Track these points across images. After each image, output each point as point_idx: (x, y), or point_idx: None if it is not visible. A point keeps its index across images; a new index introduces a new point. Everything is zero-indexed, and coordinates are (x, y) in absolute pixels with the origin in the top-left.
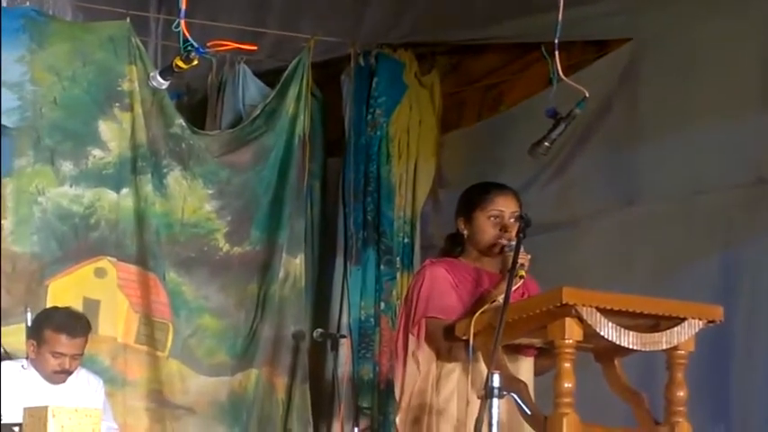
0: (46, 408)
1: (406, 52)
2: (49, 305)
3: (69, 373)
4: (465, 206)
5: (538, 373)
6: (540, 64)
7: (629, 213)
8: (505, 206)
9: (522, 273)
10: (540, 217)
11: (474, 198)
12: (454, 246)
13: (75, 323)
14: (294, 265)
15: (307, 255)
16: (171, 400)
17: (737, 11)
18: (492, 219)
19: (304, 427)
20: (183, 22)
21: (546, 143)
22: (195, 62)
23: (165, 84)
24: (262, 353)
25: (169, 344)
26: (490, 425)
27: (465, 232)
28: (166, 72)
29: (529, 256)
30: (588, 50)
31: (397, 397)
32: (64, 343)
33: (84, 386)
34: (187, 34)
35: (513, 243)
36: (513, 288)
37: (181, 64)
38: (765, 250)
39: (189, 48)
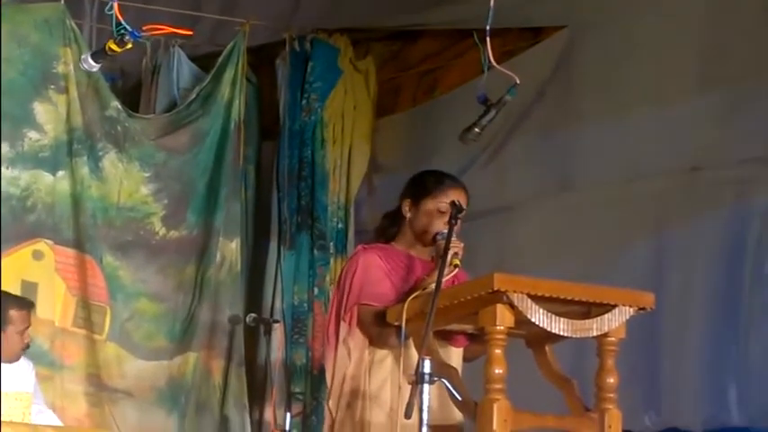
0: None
1: (341, 37)
2: None
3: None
4: (416, 190)
5: (468, 359)
6: (476, 50)
7: (564, 199)
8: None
9: (457, 261)
10: (474, 203)
11: (427, 186)
12: (391, 225)
13: (26, 299)
14: (230, 249)
15: (242, 239)
16: (109, 384)
17: None
18: (438, 211)
19: (240, 411)
20: (116, 5)
21: (476, 129)
22: (129, 46)
23: (96, 66)
24: (199, 336)
25: (107, 327)
26: (420, 410)
27: (408, 215)
28: (98, 55)
29: (462, 245)
30: (524, 37)
31: (329, 382)
32: (27, 318)
33: (17, 369)
34: (120, 18)
35: (446, 231)
36: (447, 276)
37: (114, 47)
38: (698, 237)
39: (122, 31)
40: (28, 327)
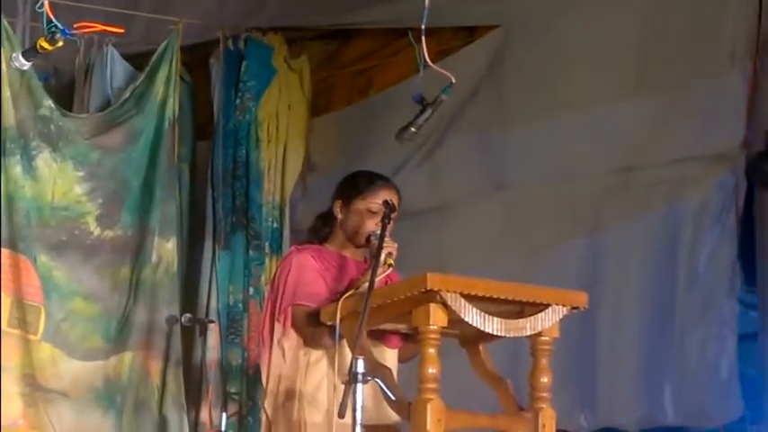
0: None
1: (275, 36)
2: None
3: None
4: (346, 191)
5: (403, 359)
6: (411, 49)
7: (498, 198)
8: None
9: (391, 261)
10: (408, 202)
11: (358, 186)
12: (323, 226)
13: None
14: (166, 248)
15: (177, 238)
16: (44, 385)
17: None
18: (369, 211)
19: (178, 411)
20: (46, 2)
21: (412, 128)
22: (60, 43)
23: (27, 64)
24: (135, 336)
25: (41, 327)
26: (354, 410)
27: (339, 216)
28: (30, 53)
29: (396, 245)
30: (458, 36)
31: (264, 383)
32: None
33: None
34: (51, 15)
35: (379, 231)
36: (382, 275)
37: (45, 45)
38: (631, 237)
39: (53, 29)
40: None
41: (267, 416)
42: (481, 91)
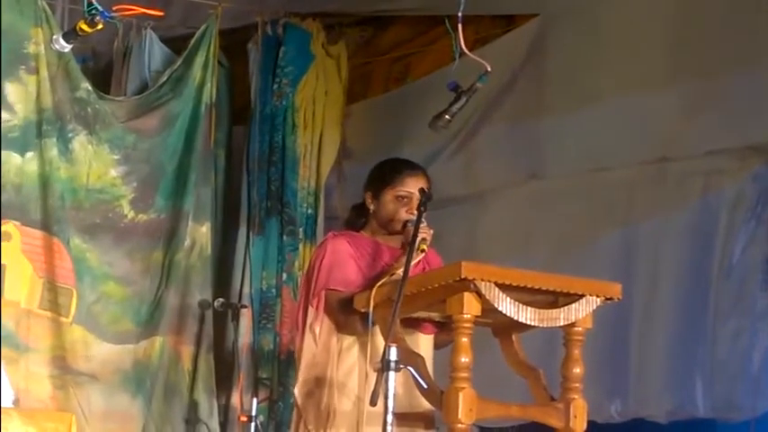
0: None
1: (313, 22)
2: None
3: None
4: (374, 181)
5: (437, 347)
6: (448, 37)
7: (533, 188)
8: (415, 187)
9: (424, 246)
10: (444, 190)
11: (385, 175)
12: (358, 217)
13: None
14: (200, 233)
15: (212, 223)
16: (74, 367)
17: None
18: (400, 199)
19: (208, 396)
20: None
21: (446, 116)
22: (100, 26)
23: (67, 47)
24: (167, 321)
25: (73, 310)
26: (386, 398)
27: (371, 207)
28: (70, 35)
29: (431, 231)
30: (497, 25)
31: (297, 368)
32: None
33: None
34: None
35: (414, 218)
36: (415, 261)
37: (85, 27)
38: (665, 228)
39: (93, 11)
40: None
41: (297, 402)
42: (518, 80)
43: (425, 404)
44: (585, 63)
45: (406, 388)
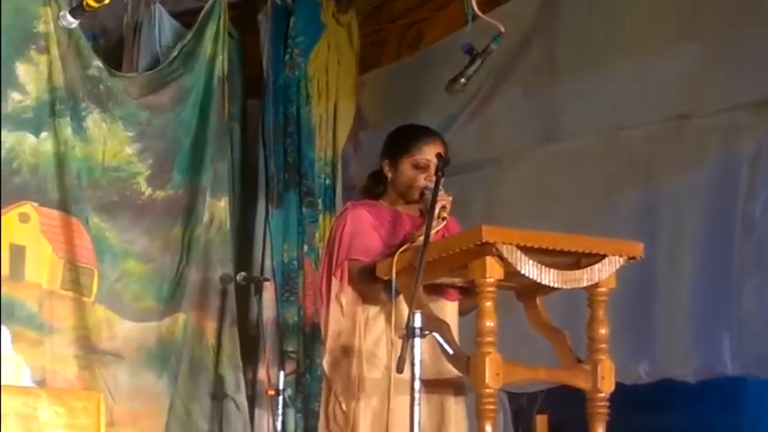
0: None
1: None
2: None
3: None
4: (391, 149)
5: (462, 313)
6: (460, 1)
7: (551, 150)
8: (432, 154)
9: (445, 214)
10: (461, 156)
11: (401, 143)
12: (376, 185)
13: None
14: (219, 207)
15: (230, 197)
16: (99, 347)
17: None
18: (418, 166)
19: (234, 371)
20: None
21: (462, 79)
22: (106, 1)
23: (75, 23)
24: (189, 297)
25: (95, 289)
26: (412, 364)
27: (389, 175)
28: (77, 11)
29: (450, 198)
30: None
31: (323, 340)
32: None
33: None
34: None
35: (432, 185)
36: (435, 229)
37: (91, 2)
38: (685, 186)
39: None
40: None
41: (326, 373)
42: (531, 42)
43: (453, 370)
44: (599, 21)
45: (433, 355)
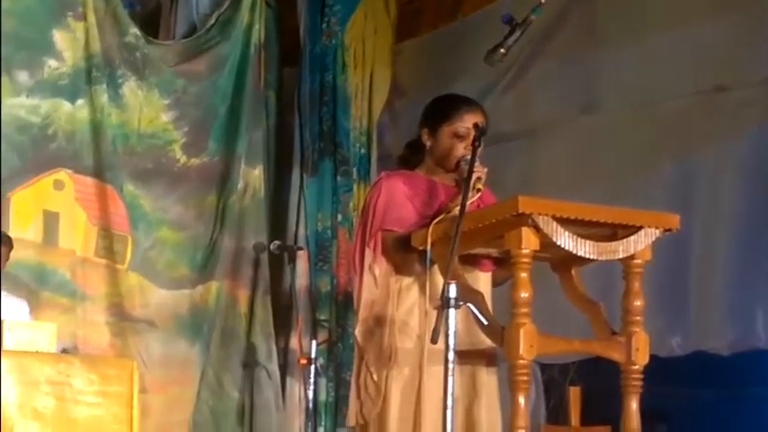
0: (1, 321)
1: None
2: (12, 217)
3: None
4: (431, 118)
5: (496, 284)
6: None
7: (587, 122)
8: (472, 122)
9: (480, 186)
10: (498, 126)
11: (442, 111)
12: (413, 154)
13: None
14: (253, 175)
15: (264, 166)
16: (131, 314)
17: None
18: (458, 135)
19: (266, 339)
20: None
21: (502, 50)
22: None
23: None
24: (222, 265)
25: (128, 256)
26: (446, 335)
27: (428, 143)
28: None
29: (485, 169)
30: None
31: (356, 310)
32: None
33: (12, 306)
34: None
35: (469, 156)
36: (470, 200)
37: None
38: (722, 158)
39: None
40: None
41: (358, 343)
42: (569, 14)
43: (486, 341)
44: None
45: (466, 325)
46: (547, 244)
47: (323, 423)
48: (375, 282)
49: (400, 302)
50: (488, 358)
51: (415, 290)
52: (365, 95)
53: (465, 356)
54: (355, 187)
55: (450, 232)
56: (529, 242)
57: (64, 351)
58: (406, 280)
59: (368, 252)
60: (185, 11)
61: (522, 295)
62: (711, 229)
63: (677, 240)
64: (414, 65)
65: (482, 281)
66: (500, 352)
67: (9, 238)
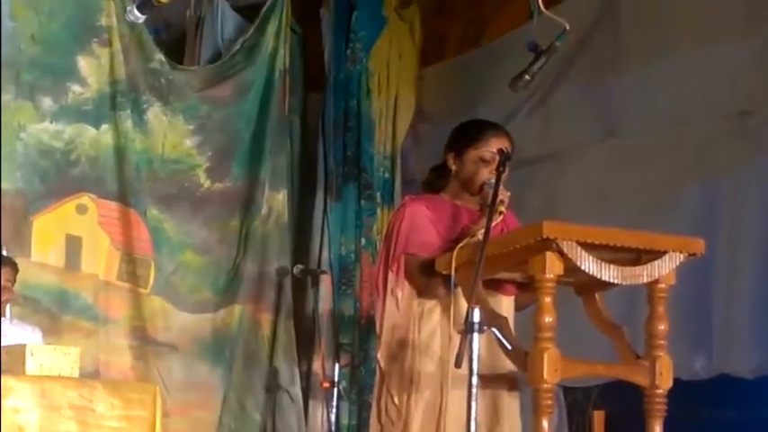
0: (24, 346)
1: None
2: (34, 242)
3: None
4: (458, 142)
5: (518, 308)
6: None
7: (611, 146)
8: (498, 148)
9: (502, 209)
10: (521, 151)
11: (469, 135)
12: (438, 178)
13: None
14: (277, 200)
15: (288, 190)
16: (154, 338)
17: None
18: (483, 159)
19: (289, 364)
20: None
21: (526, 76)
22: None
23: (141, 18)
24: (245, 289)
25: (151, 280)
26: (470, 360)
27: (453, 167)
28: (144, 6)
29: (509, 193)
30: None
31: (378, 333)
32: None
33: (24, 333)
34: None
35: (493, 180)
36: (493, 223)
37: None
38: (746, 182)
39: None
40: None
41: (380, 367)
42: (593, 38)
43: (508, 365)
44: (660, 17)
45: (489, 349)
46: (571, 269)
47: None
48: (397, 305)
49: (422, 326)
50: (510, 382)
51: (437, 313)
52: (389, 120)
53: (487, 380)
54: (379, 211)
55: (475, 257)
56: (553, 267)
57: None
58: (429, 303)
59: (391, 276)
60: (210, 37)
61: (547, 320)
62: (735, 252)
63: (701, 264)
64: (438, 90)
65: (505, 305)
66: (522, 376)
67: (12, 261)
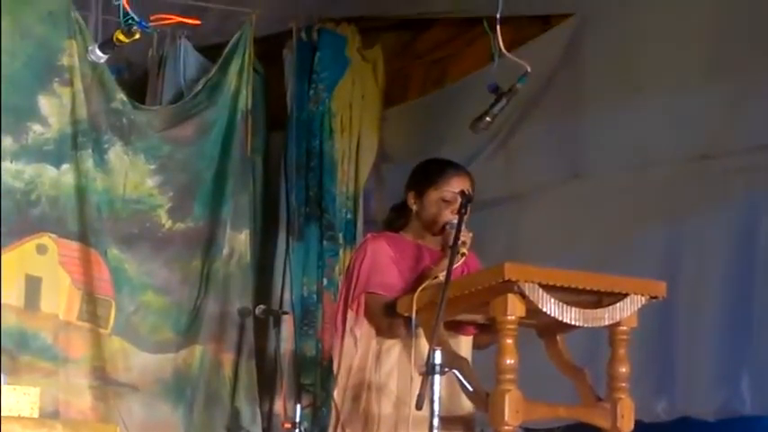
0: None
1: (348, 27)
2: None
3: None
4: (418, 181)
5: (479, 347)
6: (485, 39)
7: (575, 187)
8: (459, 188)
9: (464, 250)
10: (483, 192)
11: (429, 175)
12: (398, 217)
13: None
14: (239, 240)
15: (251, 230)
16: (114, 378)
17: None
18: (444, 200)
19: (251, 404)
20: None
21: (487, 118)
22: (137, 36)
23: (103, 57)
24: (206, 329)
25: (112, 321)
26: (432, 401)
27: (414, 207)
28: (106, 46)
29: (471, 234)
30: (534, 25)
31: (335, 372)
32: None
33: None
34: (128, 7)
35: (455, 221)
36: (455, 265)
37: (122, 37)
38: (709, 225)
39: (130, 21)
40: None
41: (336, 406)
42: (556, 79)
43: (466, 407)
44: (624, 60)
45: (448, 391)
46: (532, 310)
47: None
48: (355, 343)
49: (380, 365)
50: (466, 424)
51: (395, 352)
52: (352, 160)
53: (444, 422)
54: (341, 252)
55: (436, 299)
56: (515, 309)
57: None
58: (387, 343)
59: (350, 314)
60: (172, 76)
61: (508, 362)
62: (698, 294)
63: (664, 306)
64: (401, 130)
65: (463, 345)
66: (479, 417)
67: None
